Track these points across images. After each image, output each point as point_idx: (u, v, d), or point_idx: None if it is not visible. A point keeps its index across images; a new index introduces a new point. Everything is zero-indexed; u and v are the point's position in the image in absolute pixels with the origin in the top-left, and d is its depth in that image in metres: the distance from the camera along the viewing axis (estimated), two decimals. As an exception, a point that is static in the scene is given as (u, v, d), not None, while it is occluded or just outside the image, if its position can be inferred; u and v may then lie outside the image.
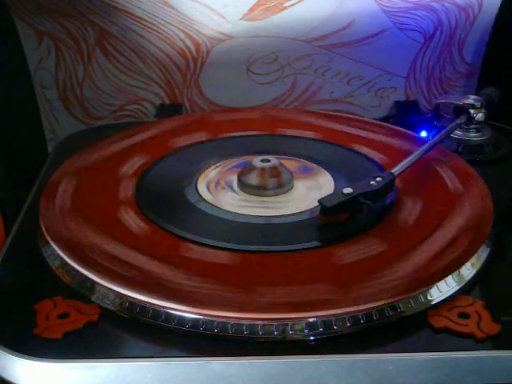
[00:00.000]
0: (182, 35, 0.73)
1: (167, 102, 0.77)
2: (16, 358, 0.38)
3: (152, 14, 0.71)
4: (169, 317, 0.40)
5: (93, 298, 0.42)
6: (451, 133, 0.60)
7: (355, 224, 0.48)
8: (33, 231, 0.49)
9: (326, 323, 0.39)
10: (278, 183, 0.53)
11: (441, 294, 0.42)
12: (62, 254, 0.44)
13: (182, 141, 0.62)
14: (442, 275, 0.42)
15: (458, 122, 0.61)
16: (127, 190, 0.53)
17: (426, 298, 0.41)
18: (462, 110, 0.62)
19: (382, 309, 0.40)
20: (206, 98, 0.77)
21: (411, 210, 0.50)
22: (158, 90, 0.76)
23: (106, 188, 0.53)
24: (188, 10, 0.71)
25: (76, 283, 0.43)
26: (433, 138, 0.58)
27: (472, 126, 0.62)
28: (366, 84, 0.77)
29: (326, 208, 0.47)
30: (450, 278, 0.42)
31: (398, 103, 0.78)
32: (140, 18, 0.71)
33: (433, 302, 0.41)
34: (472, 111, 0.61)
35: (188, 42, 0.73)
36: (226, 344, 0.38)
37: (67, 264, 0.44)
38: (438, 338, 0.39)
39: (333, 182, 0.54)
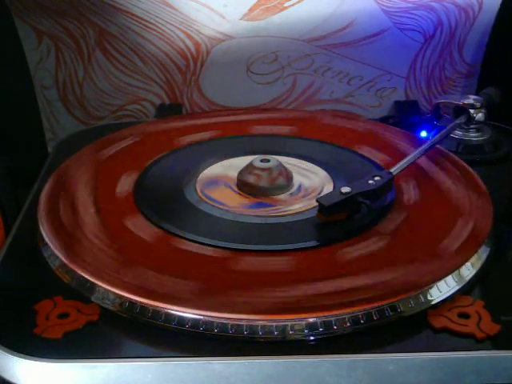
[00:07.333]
0: (182, 35, 0.73)
1: (167, 101, 0.77)
2: (16, 358, 0.38)
3: (152, 14, 0.71)
4: (169, 317, 0.40)
5: (93, 298, 0.42)
6: (451, 133, 0.60)
7: (354, 223, 0.48)
8: (33, 231, 0.49)
9: (326, 323, 0.39)
10: (278, 183, 0.53)
11: (441, 293, 0.42)
12: (60, 255, 0.44)
13: (181, 140, 0.62)
14: (441, 275, 0.42)
15: (457, 122, 0.61)
16: (127, 190, 0.53)
17: (426, 297, 0.41)
18: (462, 110, 0.62)
19: (381, 309, 0.40)
20: (206, 97, 0.77)
21: (410, 209, 0.50)
22: (158, 90, 0.76)
23: (105, 188, 0.53)
24: (188, 10, 0.71)
25: (76, 283, 0.43)
26: (432, 137, 0.58)
27: (472, 126, 0.62)
28: (366, 84, 0.77)
29: (325, 207, 0.47)
30: (449, 278, 0.42)
31: (397, 103, 0.78)
32: (140, 18, 0.71)
33: (433, 302, 0.41)
34: (472, 111, 0.61)
35: (188, 42, 0.73)
36: (225, 344, 0.38)
37: (67, 264, 0.44)
38: (437, 337, 0.39)
39: (332, 182, 0.54)
